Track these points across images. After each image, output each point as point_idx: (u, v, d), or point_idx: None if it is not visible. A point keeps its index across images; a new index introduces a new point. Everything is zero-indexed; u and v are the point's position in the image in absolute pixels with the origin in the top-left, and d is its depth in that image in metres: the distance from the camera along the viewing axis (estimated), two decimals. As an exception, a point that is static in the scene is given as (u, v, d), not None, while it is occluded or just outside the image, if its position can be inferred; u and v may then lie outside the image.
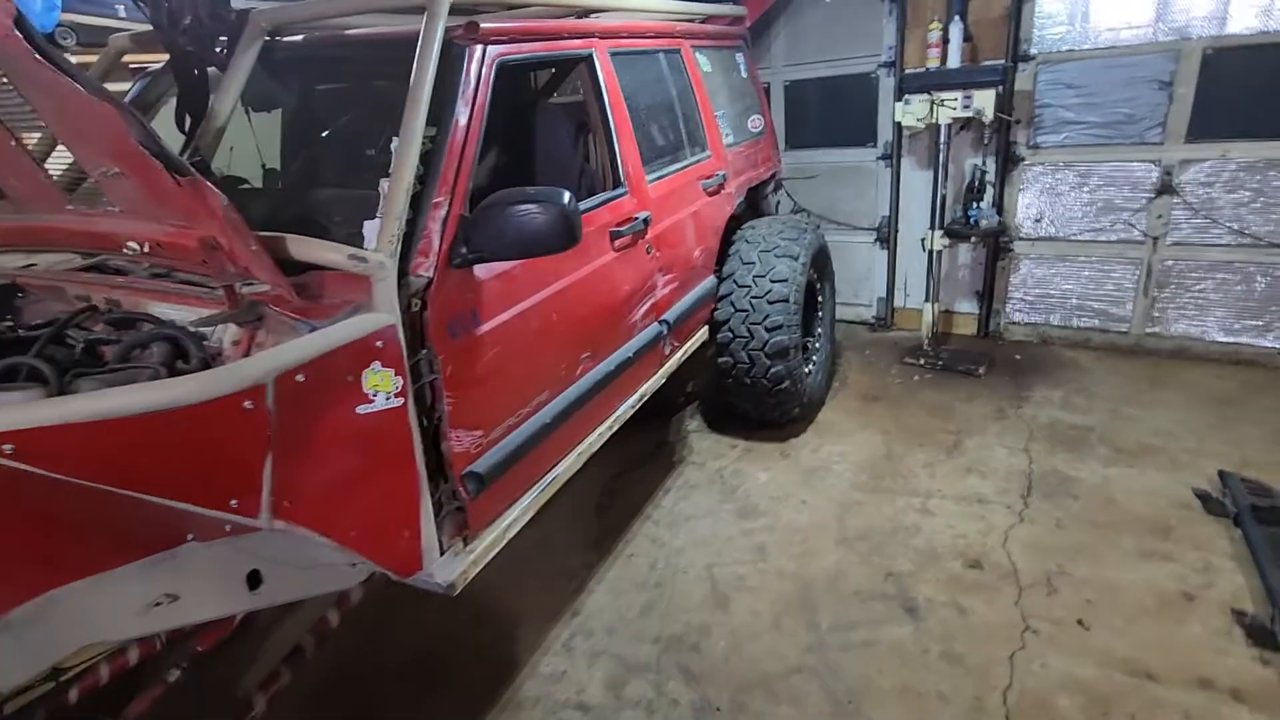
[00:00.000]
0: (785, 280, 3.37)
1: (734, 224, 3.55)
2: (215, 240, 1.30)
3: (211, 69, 1.93)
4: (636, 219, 2.43)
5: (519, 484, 1.97)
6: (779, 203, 5.20)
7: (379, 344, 1.45)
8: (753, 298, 3.36)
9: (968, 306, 4.82)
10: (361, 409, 1.47)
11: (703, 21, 3.46)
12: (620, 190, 2.42)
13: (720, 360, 3.47)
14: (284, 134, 3.13)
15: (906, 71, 4.25)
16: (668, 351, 2.80)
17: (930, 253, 4.32)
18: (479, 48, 1.85)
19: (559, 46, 2.20)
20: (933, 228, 4.25)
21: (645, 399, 2.67)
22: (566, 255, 2.06)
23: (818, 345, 4.02)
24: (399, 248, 1.50)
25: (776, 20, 4.81)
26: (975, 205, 4.15)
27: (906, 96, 4.06)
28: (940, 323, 4.85)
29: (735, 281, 3.42)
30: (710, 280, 3.18)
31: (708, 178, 3.09)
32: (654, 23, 2.85)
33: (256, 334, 1.44)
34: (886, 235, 4.92)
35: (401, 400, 1.53)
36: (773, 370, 3.40)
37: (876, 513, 3.10)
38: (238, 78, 1.88)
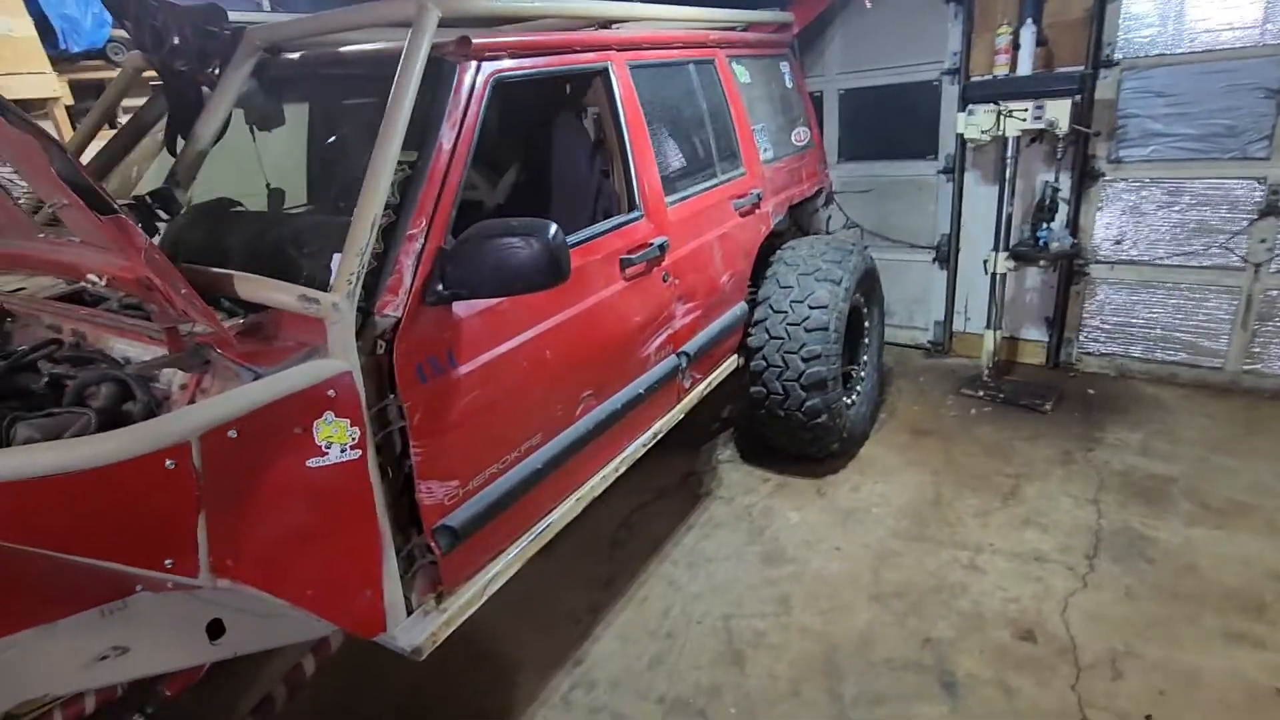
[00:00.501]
0: (825, 306, 3.12)
1: (775, 242, 3.33)
2: (150, 280, 1.19)
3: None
4: (652, 245, 2.25)
5: (503, 535, 1.82)
6: (830, 218, 4.93)
7: (331, 393, 1.33)
8: (789, 324, 3.13)
9: (1036, 334, 4.43)
10: (313, 462, 1.35)
11: (744, 29, 3.26)
12: (635, 214, 2.25)
13: (753, 390, 3.25)
14: (307, 155, 3.10)
15: (971, 79, 3.92)
16: (688, 385, 2.61)
17: (993, 276, 3.97)
18: (471, 64, 1.71)
19: (568, 61, 2.04)
20: (997, 249, 3.90)
21: (660, 436, 2.49)
22: (565, 287, 1.91)
23: (862, 374, 3.75)
24: (358, 287, 1.37)
25: (831, 25, 4.54)
26: (1045, 226, 3.79)
27: (970, 106, 3.74)
28: (1004, 351, 4.48)
29: (771, 306, 3.20)
30: (740, 306, 2.97)
31: (740, 196, 2.88)
32: (683, 32, 2.67)
33: (202, 379, 1.33)
34: (946, 254, 4.57)
35: (359, 452, 1.40)
36: (808, 403, 3.16)
37: (918, 566, 2.82)
38: (226, 98, 1.80)
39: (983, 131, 3.70)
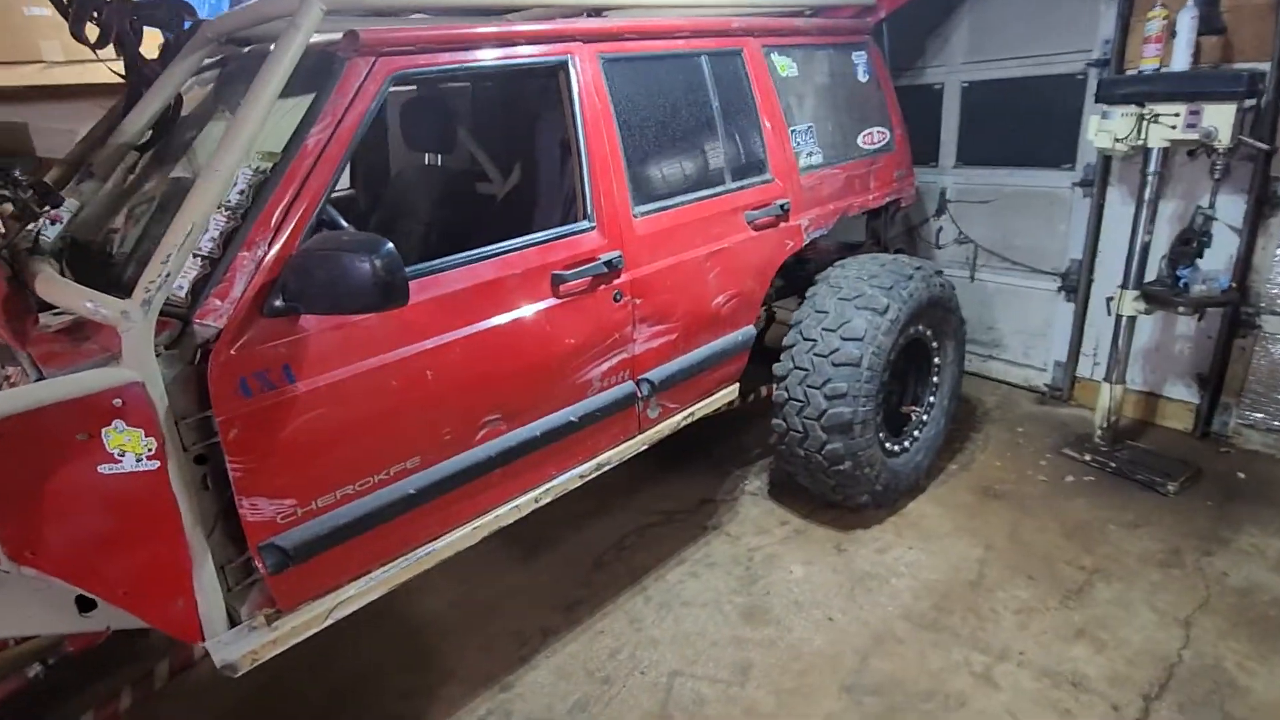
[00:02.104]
0: (859, 339, 2.70)
1: (832, 258, 2.93)
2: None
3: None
4: (598, 261, 2.02)
5: (363, 559, 1.73)
6: (940, 230, 4.31)
7: (117, 402, 1.30)
8: (815, 354, 2.75)
9: (1182, 393, 3.57)
10: (105, 468, 1.34)
11: (812, 14, 2.85)
12: (583, 225, 2.03)
13: (774, 422, 2.91)
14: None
15: (1104, 75, 3.17)
16: (653, 415, 2.35)
17: (1118, 318, 3.23)
18: (362, 61, 1.60)
19: (507, 56, 1.86)
20: (1125, 285, 3.17)
21: (606, 468, 2.27)
22: (463, 302, 1.77)
23: (924, 419, 3.23)
24: (158, 295, 1.32)
25: (958, 8, 3.91)
26: (1188, 263, 2.99)
27: (1105, 108, 3.03)
28: (1137, 408, 3.68)
29: (801, 332, 2.83)
30: (744, 332, 2.63)
31: (758, 207, 2.54)
32: (688, 20, 2.35)
33: (14, 375, 1.36)
34: (1076, 284, 3.81)
35: (158, 463, 1.37)
36: (828, 446, 2.77)
37: (917, 661, 2.37)
38: (163, 94, 1.85)
39: (1118, 140, 2.99)
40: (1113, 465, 3.29)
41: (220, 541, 1.53)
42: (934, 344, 3.18)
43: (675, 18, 2.32)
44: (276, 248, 1.48)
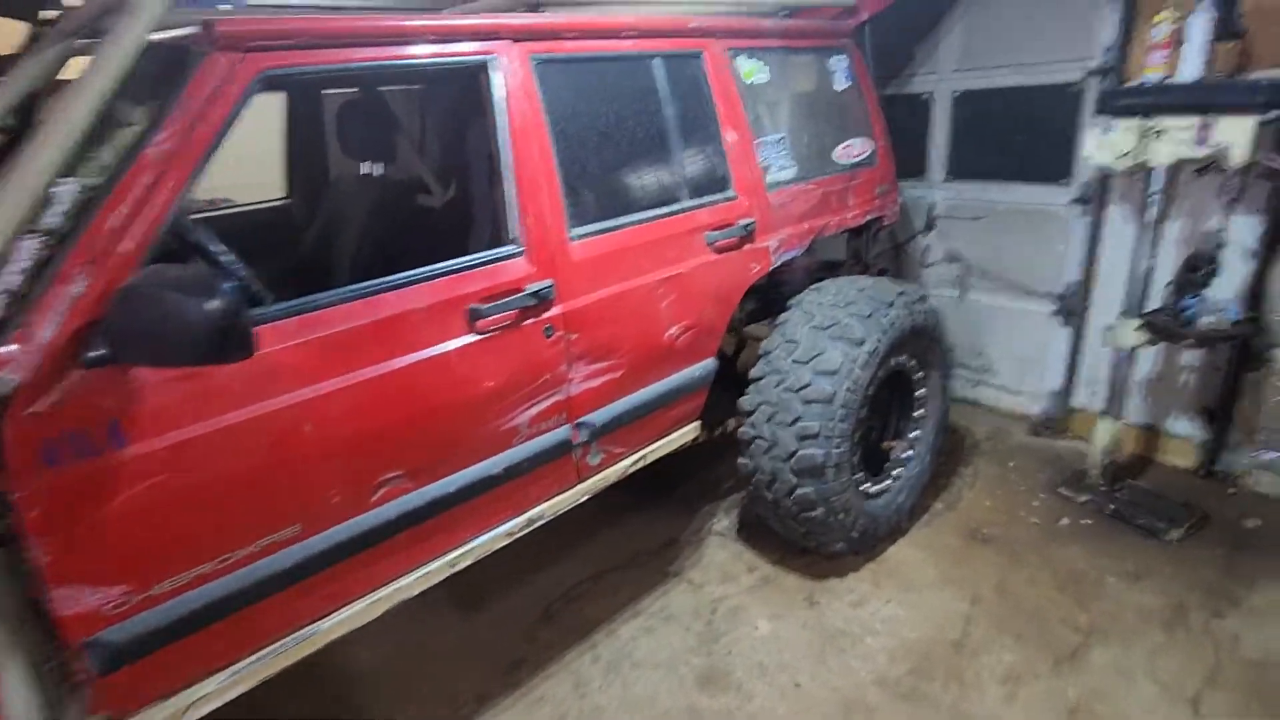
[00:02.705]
0: (833, 372, 2.44)
1: (811, 278, 2.67)
2: None
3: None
4: (524, 291, 1.76)
5: (224, 649, 1.47)
6: (928, 248, 4.06)
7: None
8: (784, 389, 2.49)
9: (1186, 428, 3.31)
10: None
11: (786, 15, 2.60)
12: (507, 251, 1.77)
13: (740, 461, 2.65)
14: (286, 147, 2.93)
15: (1105, 86, 2.92)
16: (595, 462, 2.09)
17: (1116, 348, 2.98)
18: (223, 57, 1.34)
19: (412, 55, 1.60)
20: (1125, 314, 2.91)
21: (541, 523, 2.01)
22: (353, 343, 1.50)
23: (907, 455, 2.97)
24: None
25: (951, 12, 3.66)
26: (1194, 293, 2.73)
27: (1106, 121, 2.78)
28: (1137, 443, 3.42)
29: (769, 364, 2.57)
30: (704, 365, 2.37)
31: (720, 227, 2.28)
32: (637, 18, 2.09)
33: None
34: (1072, 308, 3.55)
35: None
36: (798, 492, 2.51)
37: (890, 740, 2.11)
38: (9, 91, 1.58)
39: (1117, 157, 2.73)
40: (1111, 507, 3.03)
41: (37, 636, 1.26)
42: (917, 375, 2.92)
43: (622, 15, 2.06)
44: (100, 282, 1.21)
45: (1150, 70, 2.69)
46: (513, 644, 2.55)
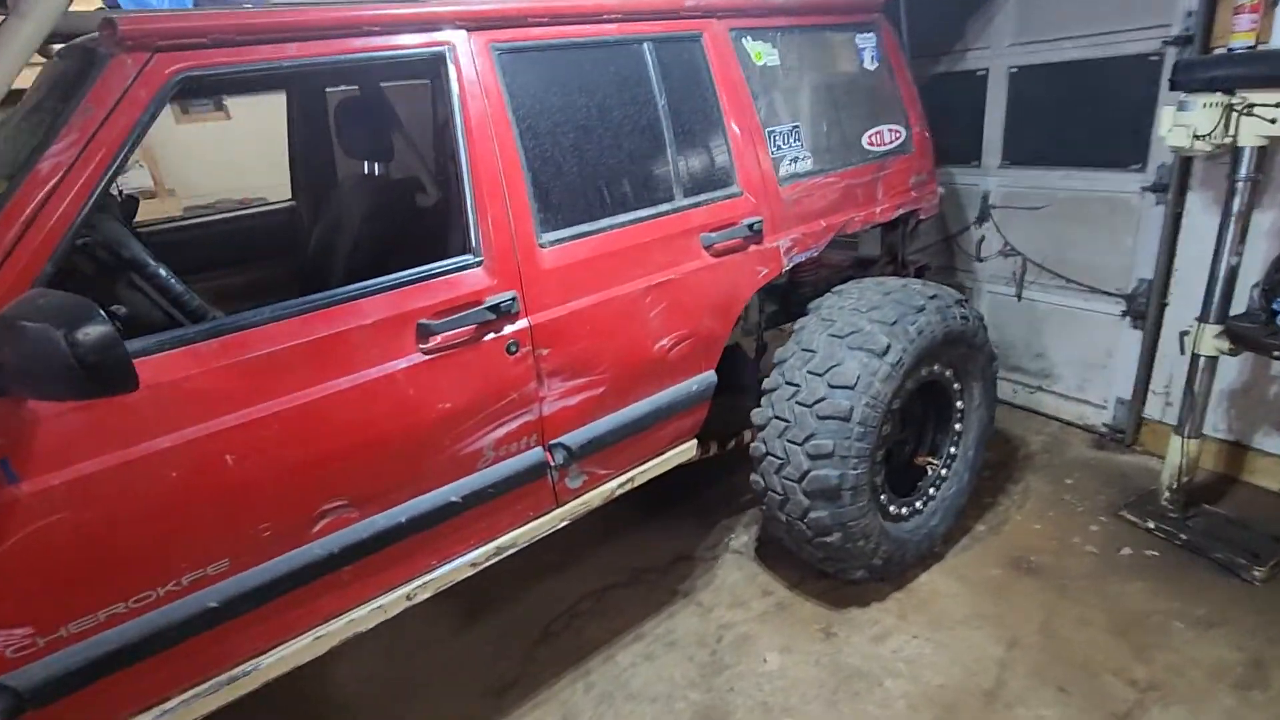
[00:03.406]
0: (850, 386, 2.21)
1: (842, 276, 2.45)
2: None
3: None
4: (482, 305, 1.61)
5: (146, 690, 1.38)
6: (983, 240, 3.71)
7: None
8: (797, 403, 2.27)
9: (1279, 445, 2.90)
10: None
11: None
12: (466, 261, 1.62)
13: (752, 478, 2.45)
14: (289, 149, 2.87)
15: (1184, 56, 2.54)
16: (576, 485, 1.93)
17: (1194, 357, 2.61)
18: (130, 59, 1.23)
19: (353, 48, 1.46)
20: (1204, 319, 2.54)
21: (513, 551, 1.86)
22: (285, 364, 1.38)
23: (943, 474, 2.70)
24: None
25: (1006, -21, 3.30)
26: (1289, 295, 2.35)
27: (1183, 97, 2.41)
28: (1218, 460, 3.04)
29: (783, 373, 2.36)
30: (703, 379, 2.16)
31: (720, 227, 2.07)
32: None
33: None
34: (1144, 309, 3.16)
35: None
36: (812, 515, 2.29)
37: (901, 804, 1.89)
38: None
39: (1198, 137, 2.37)
40: (1183, 537, 2.68)
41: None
42: (955, 386, 2.63)
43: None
44: (-10, 302, 1.13)
45: (1237, 36, 2.31)
46: (506, 665, 2.44)
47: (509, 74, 1.68)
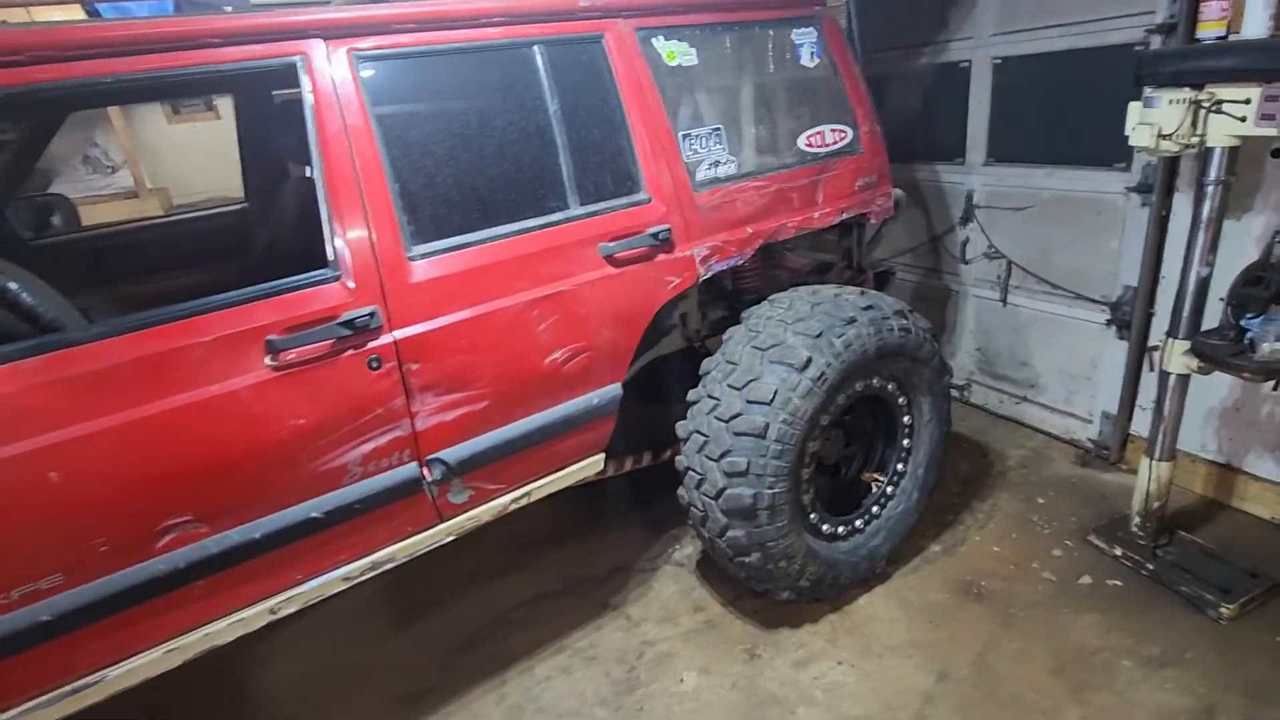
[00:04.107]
0: (767, 402, 2.12)
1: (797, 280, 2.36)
2: None
3: None
4: (337, 320, 1.58)
5: None
6: (967, 241, 3.53)
7: None
8: (715, 417, 2.19)
9: (1272, 470, 2.68)
10: None
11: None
12: (319, 275, 1.59)
13: (678, 492, 2.38)
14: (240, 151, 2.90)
15: (1144, 49, 2.33)
16: (461, 499, 1.89)
17: (1162, 374, 2.42)
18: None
19: (183, 61, 1.43)
20: (1173, 333, 2.35)
21: (392, 566, 1.84)
22: (119, 380, 1.38)
23: (888, 492, 2.58)
24: None
25: (988, -37, 3.10)
26: (1259, 310, 2.14)
27: (1149, 93, 2.22)
28: (1206, 483, 2.84)
29: (705, 386, 2.28)
30: (606, 392, 2.09)
31: (619, 236, 1.99)
32: (502, 1, 1.80)
33: None
34: (1129, 317, 2.95)
35: None
36: (729, 534, 2.22)
37: (787, 843, 1.81)
38: None
39: (1164, 136, 2.18)
40: (1149, 567, 2.50)
41: None
42: (900, 401, 2.50)
43: (485, 1, 1.79)
44: None
45: (1206, 26, 2.11)
46: (427, 672, 2.43)
47: (373, 83, 1.64)
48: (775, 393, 2.12)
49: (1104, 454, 3.19)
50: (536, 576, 2.82)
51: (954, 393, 3.83)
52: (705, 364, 2.34)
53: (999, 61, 3.20)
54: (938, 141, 3.58)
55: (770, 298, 2.40)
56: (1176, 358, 2.34)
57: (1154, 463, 2.51)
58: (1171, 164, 2.67)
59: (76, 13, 3.08)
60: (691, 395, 2.32)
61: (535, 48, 1.85)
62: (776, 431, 2.11)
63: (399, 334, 1.68)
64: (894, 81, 3.73)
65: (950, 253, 3.67)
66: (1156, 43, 2.60)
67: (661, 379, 2.63)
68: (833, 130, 2.44)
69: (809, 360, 2.13)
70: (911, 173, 3.75)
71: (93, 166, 3.93)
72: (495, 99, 1.81)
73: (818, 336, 2.17)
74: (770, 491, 2.15)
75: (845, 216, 2.51)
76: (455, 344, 1.74)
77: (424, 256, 1.71)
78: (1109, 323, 3.04)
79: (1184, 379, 2.39)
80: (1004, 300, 3.46)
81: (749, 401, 2.14)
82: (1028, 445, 3.40)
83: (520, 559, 2.92)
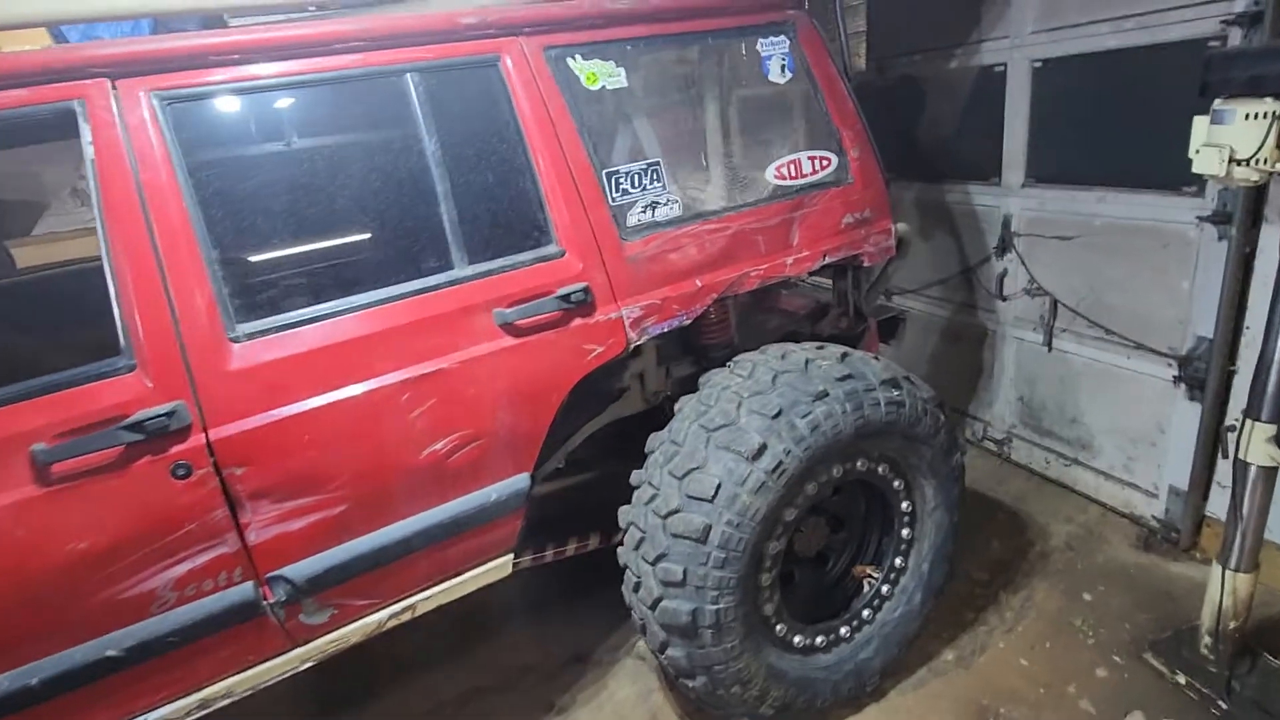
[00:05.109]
0: (708, 499, 1.72)
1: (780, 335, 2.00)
2: None
3: None
4: (127, 421, 1.28)
5: None
6: (1004, 274, 3.03)
7: None
8: (653, 511, 1.81)
9: (1393, 579, 2.08)
10: None
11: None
12: (104, 367, 1.30)
13: (622, 589, 2.01)
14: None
15: (1218, 46, 1.80)
16: (319, 621, 1.57)
17: (1237, 463, 1.89)
18: None
19: None
20: (1253, 414, 1.82)
21: (234, 699, 1.54)
22: None
23: (883, 593, 2.13)
24: None
25: (1023, -52, 2.60)
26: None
27: (1218, 104, 1.71)
28: (1296, 592, 2.26)
29: (647, 471, 1.90)
30: (509, 485, 1.73)
31: (521, 300, 1.63)
32: (360, 25, 1.46)
33: None
34: (1203, 376, 2.39)
35: None
36: (669, 652, 1.84)
37: None
38: None
39: (1238, 160, 1.67)
40: (1222, 706, 1.96)
41: None
42: (896, 485, 2.05)
43: (349, 19, 1.46)
44: None
45: None
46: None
47: (183, 128, 1.35)
48: (719, 487, 1.72)
49: (1172, 537, 2.62)
50: (481, 665, 2.50)
51: (992, 447, 3.31)
52: (651, 440, 1.96)
53: (1039, 64, 2.68)
54: (969, 158, 3.08)
55: (737, 359, 1.99)
56: (1258, 445, 1.81)
57: (1231, 574, 1.96)
58: (1258, 190, 2.11)
59: (45, 40, 2.97)
60: (634, 478, 1.95)
61: (408, 76, 1.52)
62: (720, 536, 1.72)
63: (215, 433, 1.38)
64: (918, 90, 3.25)
65: (985, 287, 3.15)
66: (1236, 38, 2.06)
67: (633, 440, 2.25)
68: (812, 158, 2.01)
69: (762, 447, 1.73)
70: (940, 193, 3.25)
71: (80, 199, 3.85)
72: (354, 140, 1.49)
73: (776, 416, 1.76)
74: (713, 607, 1.75)
75: (830, 260, 2.07)
76: (297, 441, 1.43)
77: (253, 336, 1.41)
78: (1178, 380, 2.48)
79: (1270, 472, 1.84)
80: (1049, 345, 2.92)
81: (689, 496, 1.75)
82: (1078, 519, 2.85)
83: (470, 640, 2.60)
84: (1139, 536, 2.70)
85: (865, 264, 2.18)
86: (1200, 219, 2.29)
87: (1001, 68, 2.82)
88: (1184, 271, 2.39)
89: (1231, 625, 1.99)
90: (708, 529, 1.71)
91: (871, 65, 3.48)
